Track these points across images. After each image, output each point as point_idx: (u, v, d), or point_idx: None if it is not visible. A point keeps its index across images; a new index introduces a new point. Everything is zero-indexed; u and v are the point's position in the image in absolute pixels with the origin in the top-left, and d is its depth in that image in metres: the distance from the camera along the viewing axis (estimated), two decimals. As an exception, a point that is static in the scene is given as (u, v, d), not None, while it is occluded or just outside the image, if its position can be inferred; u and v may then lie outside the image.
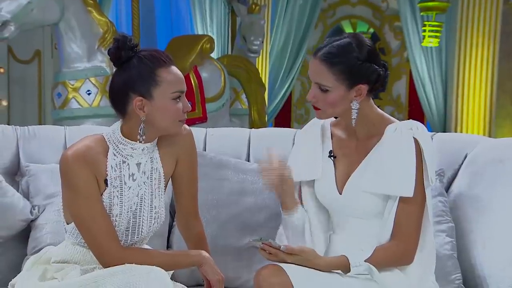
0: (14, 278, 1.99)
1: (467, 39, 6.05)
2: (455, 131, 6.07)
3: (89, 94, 4.07)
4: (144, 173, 1.96)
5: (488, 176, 2.23)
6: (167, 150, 2.01)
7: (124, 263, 1.81)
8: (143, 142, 1.93)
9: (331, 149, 1.99)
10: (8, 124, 2.66)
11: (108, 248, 1.87)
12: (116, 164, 1.93)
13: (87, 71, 4.08)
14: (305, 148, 2.02)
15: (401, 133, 1.87)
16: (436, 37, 5.70)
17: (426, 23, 5.65)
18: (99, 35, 4.10)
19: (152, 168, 1.98)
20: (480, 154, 2.33)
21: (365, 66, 1.87)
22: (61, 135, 2.53)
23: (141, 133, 1.91)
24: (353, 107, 1.89)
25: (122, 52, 1.90)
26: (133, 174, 1.94)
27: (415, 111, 6.50)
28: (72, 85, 4.08)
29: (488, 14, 6.01)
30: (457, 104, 6.18)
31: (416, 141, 1.86)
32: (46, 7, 3.91)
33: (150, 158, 1.98)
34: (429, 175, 1.86)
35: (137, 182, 1.95)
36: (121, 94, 1.91)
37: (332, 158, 1.97)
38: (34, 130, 2.58)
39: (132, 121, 1.91)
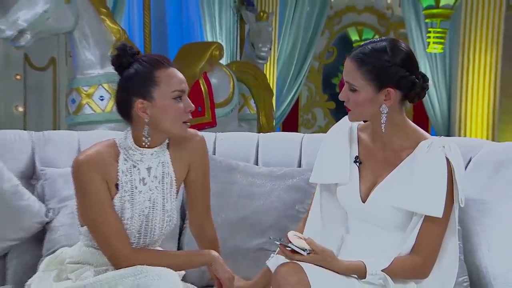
0: (30, 279, 2.00)
1: (471, 45, 6.02)
2: (459, 135, 6.04)
3: (102, 99, 4.09)
4: (156, 177, 1.97)
5: (492, 180, 2.23)
6: (179, 155, 2.02)
7: (135, 265, 1.82)
8: (149, 144, 1.93)
9: (357, 154, 1.96)
10: (24, 129, 2.67)
11: (119, 251, 1.87)
12: (126, 169, 1.93)
13: (100, 77, 4.10)
14: (333, 149, 1.98)
15: (434, 151, 1.83)
16: (440, 43, 5.67)
17: (430, 29, 5.63)
18: (112, 43, 4.11)
19: (163, 172, 1.98)
20: (484, 158, 2.32)
21: (394, 70, 1.83)
22: (75, 140, 2.55)
23: (146, 135, 1.92)
24: (382, 111, 1.85)
25: (122, 59, 1.92)
26: (143, 179, 1.95)
27: (419, 116, 6.47)
28: (86, 91, 4.09)
29: (491, 20, 5.98)
30: (460, 109, 6.15)
31: (448, 161, 1.83)
32: (61, 16, 3.92)
33: (161, 162, 1.98)
34: (459, 196, 1.83)
35: (148, 186, 1.95)
36: (124, 99, 1.92)
37: (357, 164, 1.95)
38: (49, 135, 2.59)
39: (138, 125, 1.92)
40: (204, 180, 2.07)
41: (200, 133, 2.08)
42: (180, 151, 2.02)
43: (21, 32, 3.80)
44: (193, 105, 1.94)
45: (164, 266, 1.82)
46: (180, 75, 1.94)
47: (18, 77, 5.10)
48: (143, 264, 1.82)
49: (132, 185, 1.93)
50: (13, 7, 3.87)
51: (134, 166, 1.94)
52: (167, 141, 2.00)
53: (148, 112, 1.89)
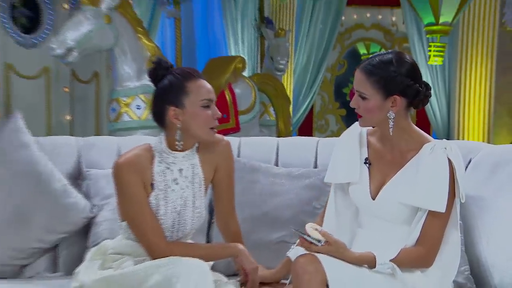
0: (78, 267, 2.01)
1: (468, 58, 6.01)
2: (458, 139, 6.00)
3: (138, 108, 4.10)
4: (187, 177, 1.97)
5: (490, 179, 2.20)
6: (207, 158, 2.02)
7: (170, 256, 1.82)
8: (182, 148, 1.93)
9: (367, 156, 1.95)
10: (71, 136, 2.69)
11: (155, 243, 1.88)
12: (161, 171, 1.94)
13: (137, 89, 4.11)
14: (345, 152, 1.98)
15: (437, 153, 1.82)
16: (440, 56, 5.64)
17: (431, 44, 5.59)
18: (147, 58, 4.13)
19: (193, 173, 1.98)
20: (483, 159, 2.30)
21: (400, 79, 1.82)
22: (115, 144, 2.55)
23: (178, 139, 1.92)
24: (389, 117, 1.84)
25: (158, 72, 1.93)
26: (176, 179, 1.95)
27: (422, 121, 6.42)
28: (124, 101, 4.12)
29: (486, 36, 5.96)
30: (459, 115, 6.11)
31: (449, 161, 1.81)
32: (103, 35, 3.95)
33: (192, 164, 1.98)
34: (460, 193, 1.82)
35: (179, 185, 1.95)
36: (159, 107, 1.93)
37: (367, 165, 1.93)
38: (93, 140, 2.61)
39: (171, 131, 1.92)
40: (229, 181, 2.07)
41: (226, 138, 2.08)
42: (208, 154, 2.02)
43: (69, 50, 3.84)
44: (219, 112, 1.94)
45: (195, 257, 1.82)
46: (208, 86, 1.94)
47: (66, 89, 5.14)
48: (177, 256, 1.82)
49: (165, 185, 1.93)
50: (62, 29, 3.92)
51: (168, 168, 1.94)
52: (196, 145, 2.00)
53: (180, 119, 1.90)
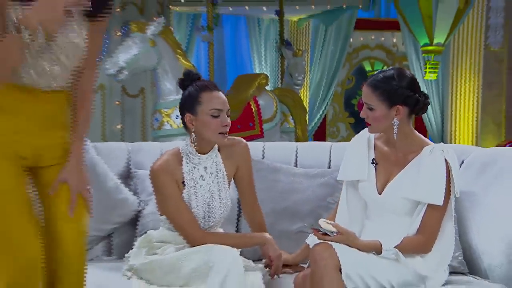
0: (128, 252, 2.03)
1: (458, 74, 6.03)
2: (450, 143, 5.99)
3: (177, 118, 4.11)
4: (212, 174, 1.96)
5: (480, 177, 2.17)
6: (228, 157, 2.01)
7: (205, 244, 1.83)
8: (199, 149, 1.92)
9: (374, 157, 1.93)
10: (122, 142, 2.72)
11: (192, 234, 1.88)
12: (189, 170, 1.94)
13: (176, 101, 4.08)
14: (355, 153, 1.97)
15: (435, 154, 1.81)
16: (434, 72, 5.65)
17: (427, 62, 5.61)
18: (185, 76, 4.16)
19: (217, 170, 1.98)
20: (474, 160, 2.27)
21: (401, 91, 1.81)
22: (158, 149, 2.56)
23: (193, 141, 1.92)
24: (394, 124, 1.84)
25: (184, 82, 1.96)
26: (202, 176, 1.95)
27: (419, 128, 6.36)
28: (166, 112, 4.14)
29: (473, 56, 5.99)
30: (451, 122, 6.12)
31: (446, 161, 1.80)
32: (148, 57, 3.99)
33: (215, 162, 1.98)
34: (455, 189, 1.81)
35: (206, 181, 1.95)
36: (180, 112, 1.95)
37: (374, 164, 1.92)
38: (140, 145, 2.62)
39: (191, 134, 1.93)
40: (249, 178, 2.06)
41: (244, 140, 2.07)
42: (229, 154, 2.01)
43: (120, 70, 3.89)
44: (229, 120, 1.92)
45: (227, 245, 1.82)
46: (221, 97, 1.91)
47: (117, 102, 5.20)
48: (211, 243, 1.83)
49: (194, 182, 1.93)
50: (114, 52, 3.98)
51: (194, 167, 1.94)
52: (216, 146, 1.99)
53: (193, 124, 1.90)
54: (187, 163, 1.94)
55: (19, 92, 1.53)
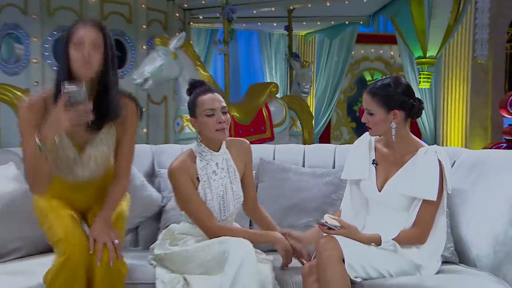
0: (153, 244, 2.03)
1: (449, 83, 6.03)
2: (442, 145, 5.98)
3: (197, 123, 4.12)
4: (223, 169, 1.96)
5: (469, 176, 2.14)
6: (236, 154, 2.01)
7: (221, 236, 1.82)
8: (208, 147, 1.92)
9: (374, 158, 1.92)
10: (147, 144, 2.72)
11: (210, 227, 1.88)
12: (202, 166, 1.93)
13: (195, 108, 4.14)
14: (357, 155, 1.95)
15: (430, 155, 1.79)
16: (428, 81, 5.67)
17: (421, 72, 5.62)
18: (203, 85, 4.15)
19: (227, 165, 1.97)
20: (464, 160, 2.24)
21: (397, 97, 1.80)
22: (179, 150, 2.55)
23: (197, 141, 1.93)
24: (392, 127, 1.83)
25: (189, 90, 1.96)
26: (214, 171, 1.94)
27: (414, 131, 6.31)
28: (186, 117, 4.13)
29: (462, 67, 5.99)
30: (443, 126, 6.11)
31: (439, 161, 1.78)
32: (171, 68, 3.99)
33: (225, 159, 1.97)
34: (447, 186, 1.79)
35: (219, 176, 1.94)
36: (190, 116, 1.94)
37: (374, 165, 1.91)
38: (163, 147, 2.63)
39: (199, 135, 1.94)
40: (250, 174, 2.05)
41: (247, 141, 2.07)
42: (236, 152, 2.01)
43: (146, 80, 3.90)
44: (223, 117, 1.89)
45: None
46: (213, 98, 1.89)
47: (143, 109, 5.20)
48: (227, 236, 1.82)
49: (208, 177, 1.92)
50: (141, 63, 3.99)
51: (207, 163, 1.94)
52: (225, 145, 1.98)
53: (196, 125, 1.90)
54: (200, 160, 1.94)
55: (62, 183, 1.85)
